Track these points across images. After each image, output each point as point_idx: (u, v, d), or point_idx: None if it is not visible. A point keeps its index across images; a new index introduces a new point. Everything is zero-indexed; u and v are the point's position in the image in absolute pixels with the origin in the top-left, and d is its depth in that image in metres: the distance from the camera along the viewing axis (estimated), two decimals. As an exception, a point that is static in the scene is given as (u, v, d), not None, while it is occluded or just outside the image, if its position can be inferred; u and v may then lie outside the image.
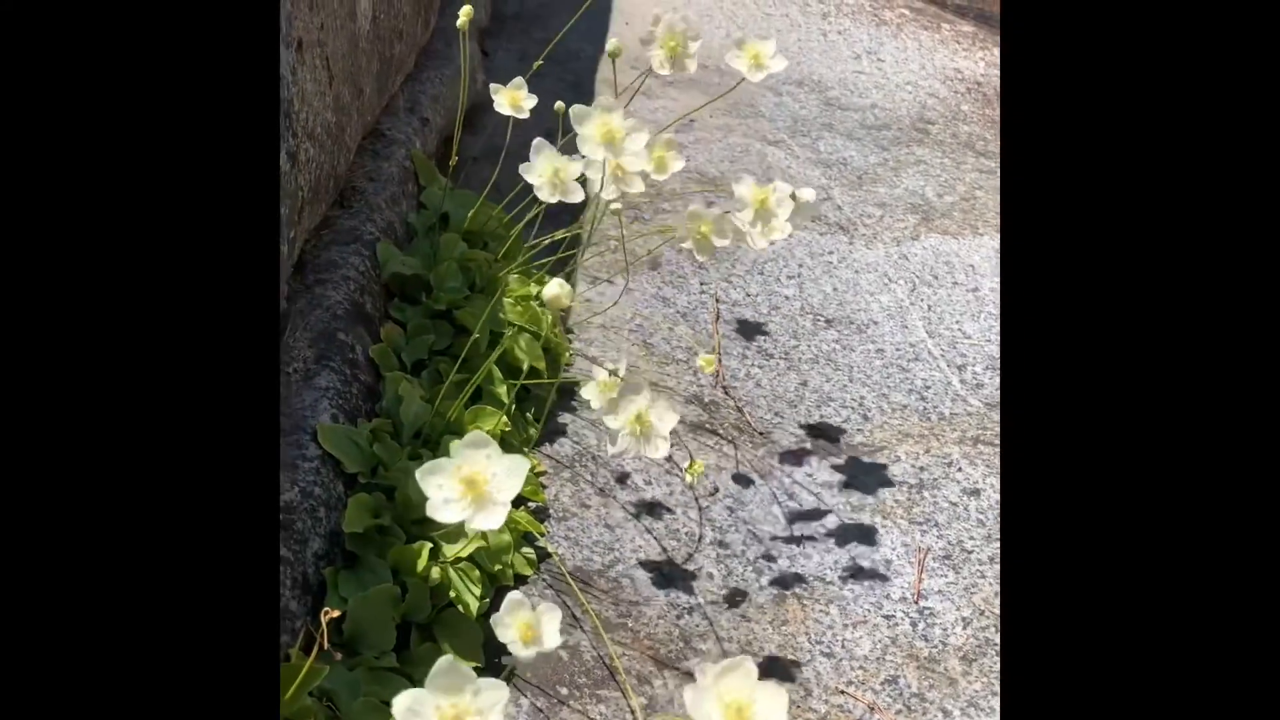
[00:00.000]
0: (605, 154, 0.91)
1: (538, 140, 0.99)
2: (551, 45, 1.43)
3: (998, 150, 1.80)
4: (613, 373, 0.95)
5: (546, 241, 1.21)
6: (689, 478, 0.96)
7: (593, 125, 0.92)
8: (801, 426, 1.18)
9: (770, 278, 1.42)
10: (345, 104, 1.07)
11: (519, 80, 1.06)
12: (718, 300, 1.36)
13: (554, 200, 0.97)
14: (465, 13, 1.06)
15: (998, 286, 1.47)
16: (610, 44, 1.07)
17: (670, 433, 0.90)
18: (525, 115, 1.07)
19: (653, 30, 1.03)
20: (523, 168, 0.97)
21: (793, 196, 1.06)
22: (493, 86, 1.06)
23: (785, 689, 0.88)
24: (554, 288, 0.80)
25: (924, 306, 1.41)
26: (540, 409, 1.09)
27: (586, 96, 1.81)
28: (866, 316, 1.38)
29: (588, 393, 0.91)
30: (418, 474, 0.66)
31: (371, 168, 1.17)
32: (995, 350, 1.35)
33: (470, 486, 0.65)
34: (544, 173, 0.97)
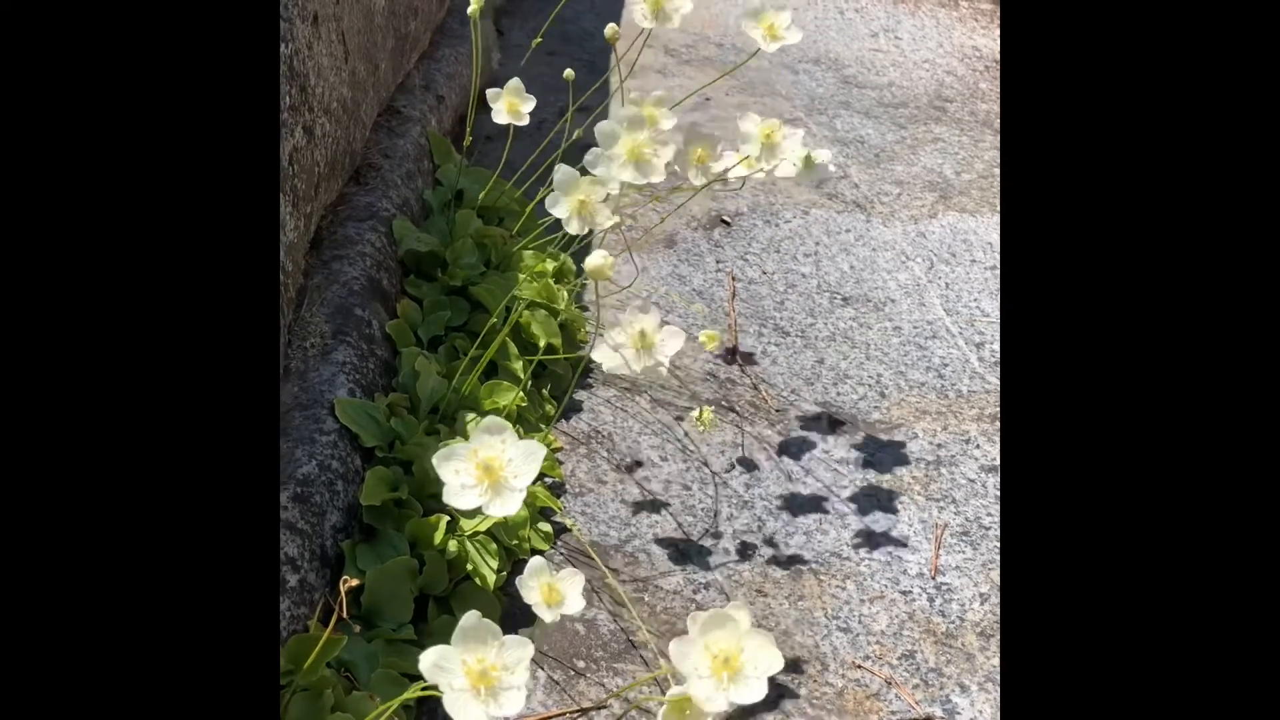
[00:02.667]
0: (634, 175, 0.87)
1: (560, 171, 0.92)
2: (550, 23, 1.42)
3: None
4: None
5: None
6: (699, 427, 0.96)
7: (620, 145, 0.88)
8: (818, 404, 1.17)
9: (787, 255, 1.41)
10: (361, 80, 1.07)
11: (516, 83, 1.05)
12: (734, 278, 1.36)
13: (584, 231, 0.91)
14: (477, 1, 1.05)
15: (1016, 264, 1.46)
16: (608, 29, 1.06)
17: (682, 410, 0.89)
18: (525, 121, 1.06)
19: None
20: (548, 201, 0.91)
21: (808, 160, 1.05)
22: (489, 93, 1.05)
23: (802, 664, 0.88)
24: (597, 258, 0.79)
25: (942, 284, 1.40)
26: (558, 386, 1.09)
27: (600, 75, 1.80)
28: (884, 294, 1.37)
29: (599, 356, 0.90)
30: (435, 459, 0.66)
31: (387, 145, 1.17)
32: (1013, 328, 1.34)
33: (487, 472, 0.65)
34: (570, 206, 0.90)
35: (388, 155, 1.15)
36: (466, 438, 0.92)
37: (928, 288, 1.39)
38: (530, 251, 1.13)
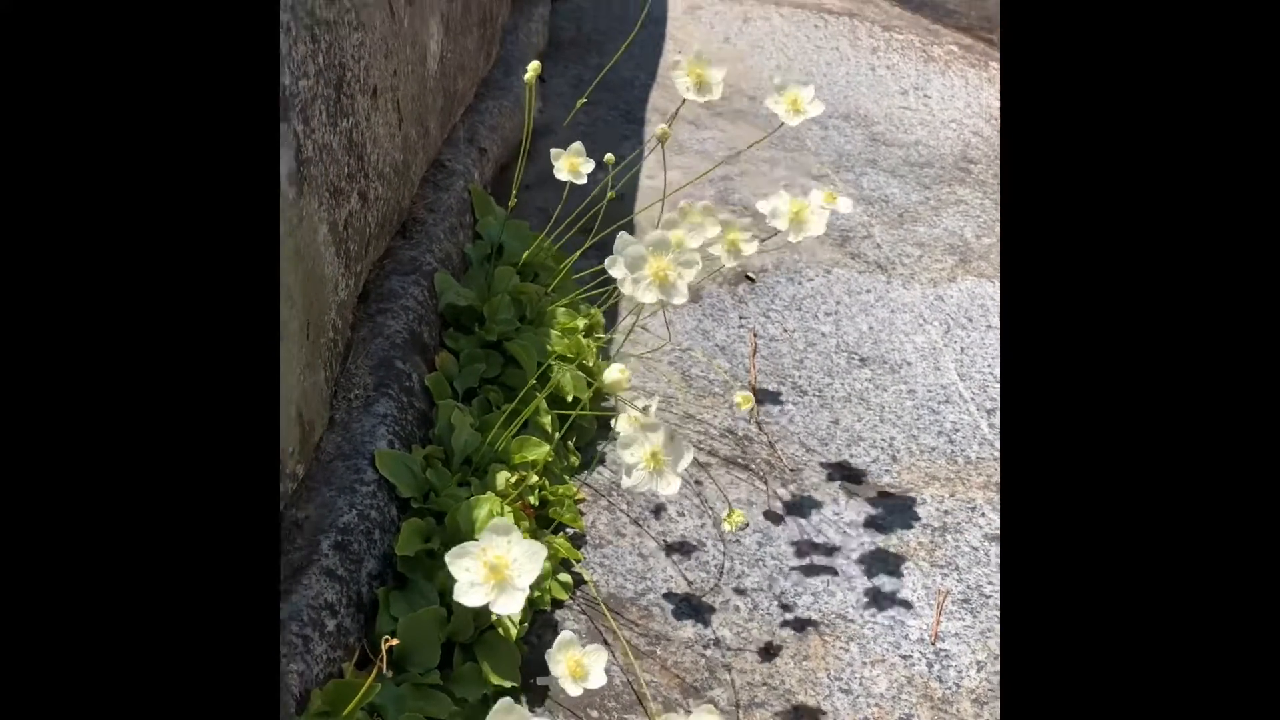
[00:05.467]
0: (658, 295, 0.91)
1: (621, 239, 0.96)
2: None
3: (1039, 192, 1.83)
4: (644, 409, 1.00)
5: (592, 270, 1.27)
6: (727, 527, 1.00)
7: (647, 269, 0.91)
8: (831, 465, 1.22)
9: (808, 314, 1.47)
10: (412, 142, 1.13)
11: (578, 145, 1.12)
12: (755, 335, 1.41)
13: (653, 299, 0.93)
14: (533, 68, 1.11)
15: (1031, 331, 1.50)
16: (659, 130, 1.12)
17: (700, 466, 0.94)
18: (584, 180, 1.12)
19: (679, 60, 1.08)
20: (608, 262, 0.95)
21: (831, 196, 1.10)
22: (553, 152, 1.12)
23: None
24: (614, 373, 0.85)
25: (957, 349, 1.44)
26: (582, 437, 1.15)
27: (638, 124, 1.86)
28: (900, 357, 1.42)
29: (620, 426, 0.96)
30: (447, 557, 0.73)
31: (432, 199, 1.23)
32: (1025, 395, 1.39)
33: (493, 572, 0.71)
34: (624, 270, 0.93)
35: (432, 209, 1.21)
36: (496, 490, 0.98)
37: (943, 352, 1.44)
38: (563, 308, 1.19)
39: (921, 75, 2.09)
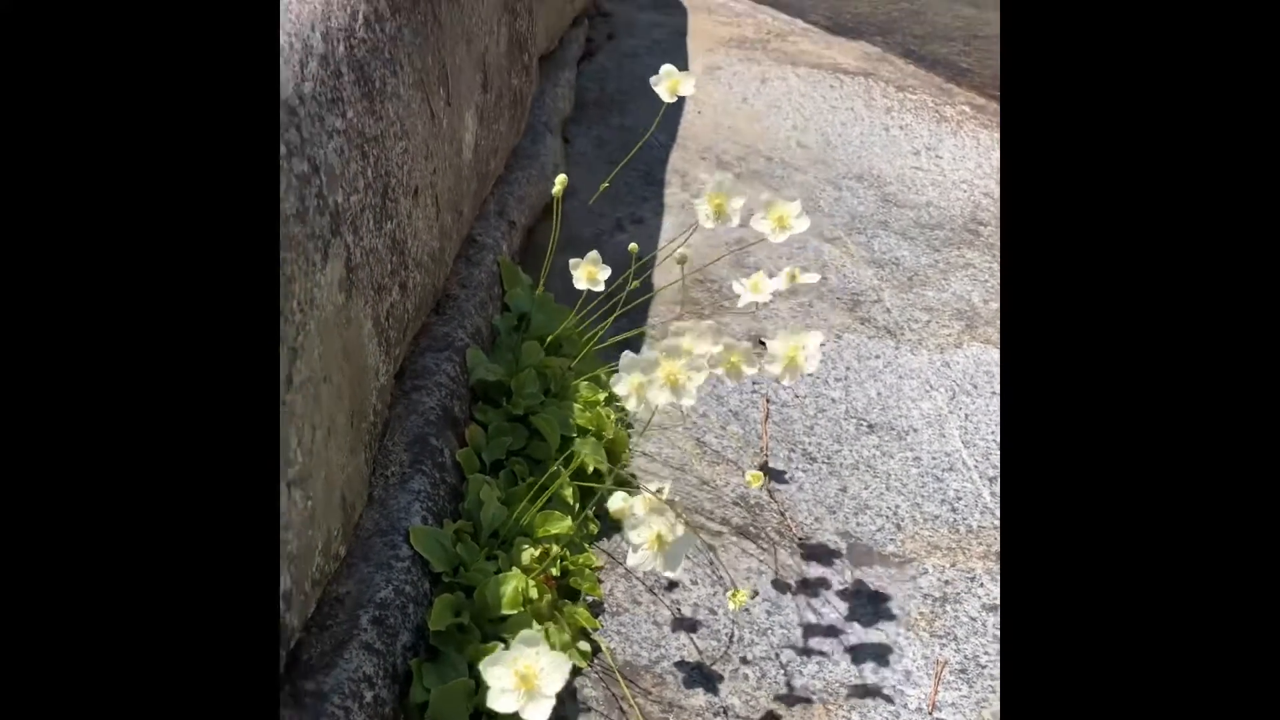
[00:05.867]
0: (670, 398, 0.97)
1: (625, 357, 1.01)
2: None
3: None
4: (657, 492, 1.07)
5: (616, 339, 1.34)
6: (732, 605, 1.07)
7: (659, 372, 0.97)
8: (838, 534, 1.29)
9: (819, 380, 1.53)
10: (448, 228, 1.21)
11: (594, 255, 1.18)
12: (768, 400, 1.48)
13: (664, 401, 0.98)
14: (560, 181, 1.18)
15: (1034, 398, 1.56)
16: (678, 254, 1.18)
17: (713, 534, 1.00)
18: (600, 288, 1.19)
19: (702, 186, 1.16)
20: (613, 381, 1.00)
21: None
22: (572, 262, 1.18)
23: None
24: (617, 501, 0.93)
25: (962, 415, 1.50)
26: (602, 504, 1.22)
27: (657, 185, 1.93)
28: (907, 423, 1.48)
29: (635, 506, 1.03)
30: (482, 665, 0.81)
31: (464, 274, 1.31)
32: (1026, 463, 1.45)
33: (523, 681, 0.79)
34: (631, 385, 0.99)
35: (464, 285, 1.29)
36: (520, 565, 1.04)
37: (949, 418, 1.50)
38: (586, 382, 1.26)
39: (934, 135, 2.16)
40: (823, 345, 1.64)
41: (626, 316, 1.44)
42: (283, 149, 0.78)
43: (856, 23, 2.54)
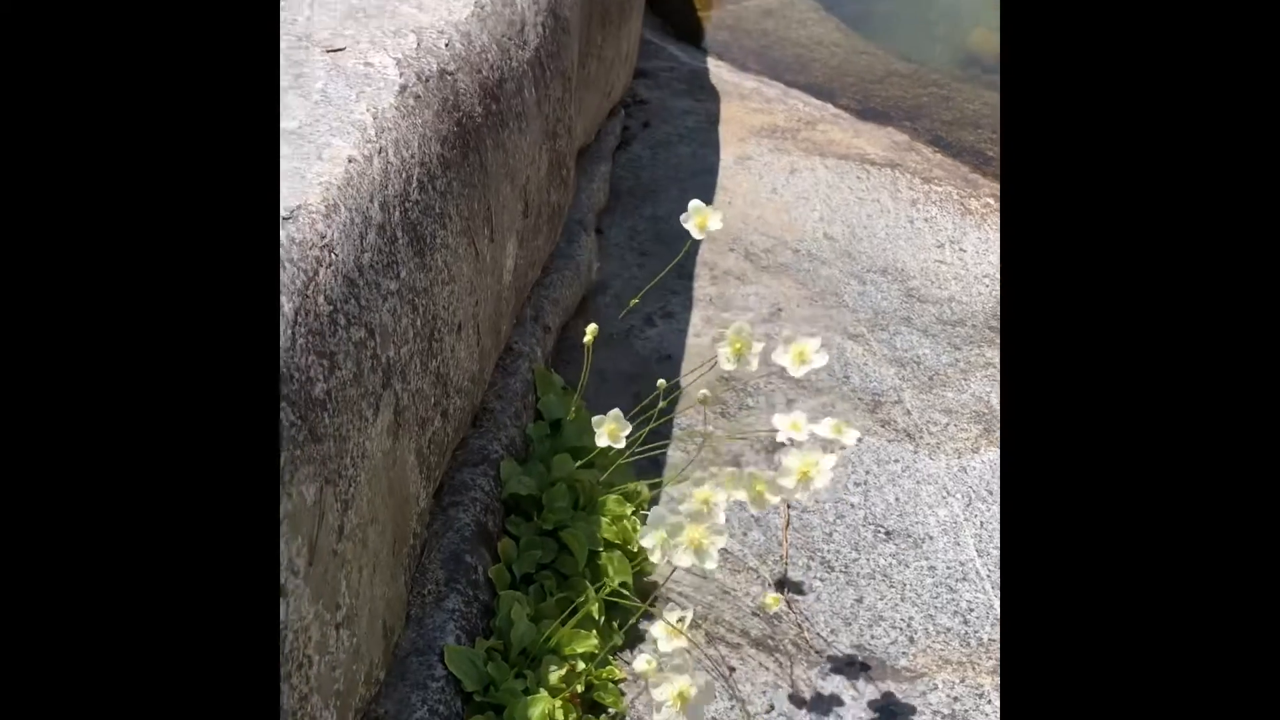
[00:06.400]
0: (693, 560, 1.03)
1: (653, 512, 1.08)
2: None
3: (1064, 354, 1.93)
4: (679, 620, 1.13)
5: (643, 449, 1.40)
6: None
7: (683, 536, 1.03)
8: (853, 646, 1.33)
9: (839, 484, 1.58)
10: (488, 350, 1.28)
11: (616, 412, 1.23)
12: (789, 507, 1.53)
13: (687, 563, 1.04)
14: (591, 331, 1.25)
15: (1048, 505, 1.61)
16: (699, 394, 1.24)
17: (732, 647, 1.05)
18: (622, 444, 1.23)
19: (723, 331, 1.22)
20: (641, 533, 1.06)
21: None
22: (595, 420, 1.23)
23: None
24: (641, 663, 0.99)
25: (977, 523, 1.55)
26: (625, 617, 1.27)
27: (687, 279, 2.00)
28: (923, 530, 1.53)
29: (656, 632, 1.09)
30: None
31: (501, 385, 1.37)
32: (1039, 573, 1.49)
33: None
34: (657, 539, 1.05)
35: (500, 396, 1.35)
36: (548, 686, 1.10)
37: (964, 526, 1.55)
38: (614, 497, 1.32)
39: (958, 228, 2.21)
40: (844, 449, 1.69)
41: (659, 419, 1.50)
42: (342, 319, 0.85)
43: (886, 107, 2.60)
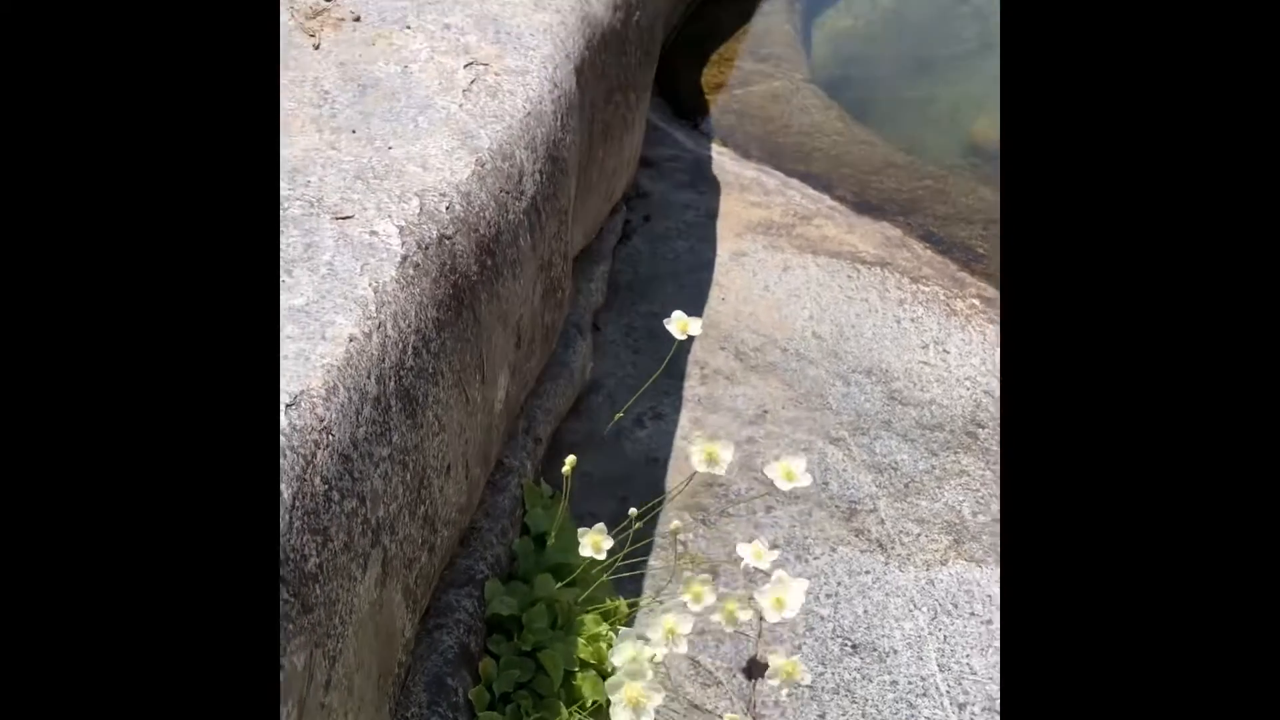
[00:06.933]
0: (632, 716, 1.12)
1: (618, 648, 1.18)
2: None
3: (1038, 463, 2.01)
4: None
5: (625, 559, 1.48)
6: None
7: (623, 692, 1.13)
8: (812, 765, 1.41)
9: (811, 595, 1.66)
10: (476, 479, 1.37)
11: (601, 526, 1.32)
12: (762, 619, 1.61)
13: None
14: (570, 462, 1.34)
15: (1011, 621, 1.68)
16: (672, 524, 1.33)
17: None
18: (603, 556, 1.32)
19: (698, 434, 1.31)
20: (608, 686, 1.16)
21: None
22: (580, 531, 1.32)
23: None
24: None
25: (940, 637, 1.63)
26: (598, 731, 1.36)
27: (678, 379, 2.09)
28: (889, 644, 1.60)
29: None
30: None
31: (490, 502, 1.46)
32: (995, 690, 1.56)
33: None
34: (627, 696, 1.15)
35: (489, 514, 1.44)
36: (519, 808, 1.18)
37: (928, 640, 1.62)
38: (591, 615, 1.40)
39: (943, 329, 2.29)
40: (817, 559, 1.77)
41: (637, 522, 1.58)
42: (336, 495, 0.94)
43: (881, 200, 2.69)
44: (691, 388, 2.05)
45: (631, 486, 1.79)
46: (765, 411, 2.01)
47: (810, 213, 2.54)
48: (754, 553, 1.37)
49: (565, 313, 1.66)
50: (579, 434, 1.86)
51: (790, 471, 1.32)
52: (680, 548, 1.69)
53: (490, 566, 1.40)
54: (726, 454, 1.32)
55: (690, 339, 2.22)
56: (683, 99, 3.01)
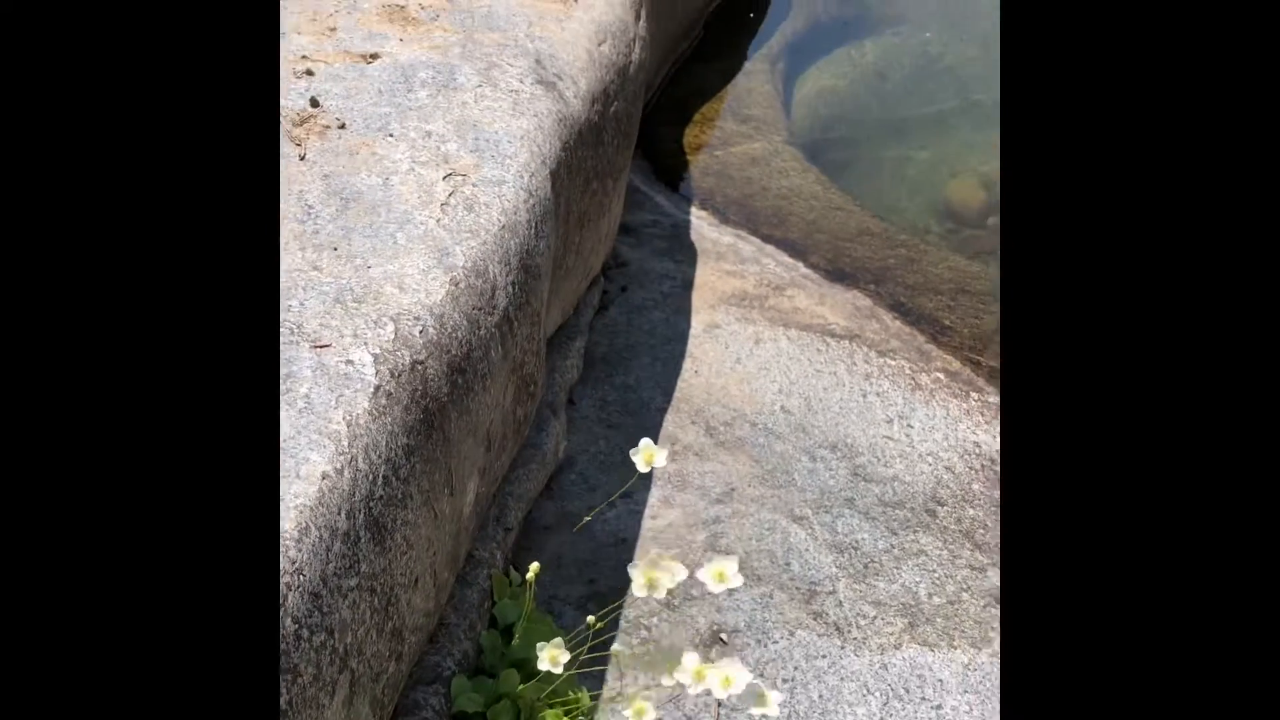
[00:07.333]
0: None
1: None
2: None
3: (993, 542, 2.08)
4: None
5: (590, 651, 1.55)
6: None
7: None
8: None
9: (768, 680, 1.73)
10: (444, 582, 1.43)
11: (559, 640, 1.38)
12: (720, 704, 1.68)
13: None
14: (533, 569, 1.40)
15: (958, 705, 1.75)
16: (636, 583, 1.39)
17: None
18: (560, 669, 1.37)
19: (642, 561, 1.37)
20: None
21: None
22: (539, 646, 1.38)
23: None
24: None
25: (891, 723, 1.70)
26: (557, 824, 1.42)
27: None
28: (840, 730, 1.67)
29: None
30: None
31: (459, 596, 1.53)
32: (943, 778, 1.64)
33: None
34: None
35: (457, 609, 1.51)
36: None
37: (879, 726, 1.69)
38: (553, 712, 1.47)
39: (907, 404, 2.37)
40: (776, 643, 1.84)
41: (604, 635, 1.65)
42: (305, 633, 1.01)
43: (854, 269, 2.76)
44: (661, 465, 2.12)
45: (599, 570, 1.86)
46: (732, 489, 2.07)
47: (784, 282, 2.62)
48: (716, 575, 1.40)
49: (539, 401, 1.72)
50: (550, 514, 1.92)
51: (722, 574, 1.38)
52: (645, 632, 1.76)
53: (458, 663, 1.46)
54: (667, 579, 1.37)
55: (662, 415, 2.29)
56: (664, 160, 3.09)
